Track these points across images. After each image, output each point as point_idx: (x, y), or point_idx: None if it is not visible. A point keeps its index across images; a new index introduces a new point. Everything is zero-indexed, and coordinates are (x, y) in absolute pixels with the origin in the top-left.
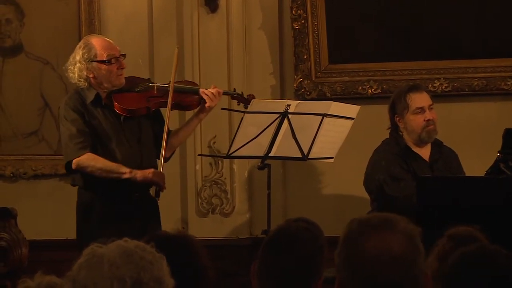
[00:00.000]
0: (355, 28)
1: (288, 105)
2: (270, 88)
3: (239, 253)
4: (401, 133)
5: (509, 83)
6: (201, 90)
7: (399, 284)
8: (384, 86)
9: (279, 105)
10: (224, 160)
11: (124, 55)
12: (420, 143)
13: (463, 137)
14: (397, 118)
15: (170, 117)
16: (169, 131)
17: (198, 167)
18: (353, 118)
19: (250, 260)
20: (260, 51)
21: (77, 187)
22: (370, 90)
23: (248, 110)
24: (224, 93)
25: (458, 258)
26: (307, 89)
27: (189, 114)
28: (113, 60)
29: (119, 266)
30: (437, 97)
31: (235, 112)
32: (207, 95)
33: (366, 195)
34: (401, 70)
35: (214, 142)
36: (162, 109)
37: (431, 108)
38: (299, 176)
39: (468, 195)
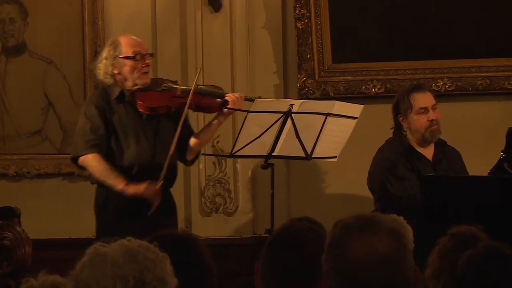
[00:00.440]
0: (359, 27)
1: (292, 105)
2: (274, 88)
3: (243, 252)
4: (404, 133)
5: None
6: (226, 94)
7: (388, 285)
8: (388, 86)
9: (283, 105)
10: (228, 159)
11: (151, 54)
12: (424, 143)
13: (467, 136)
14: (401, 118)
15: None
16: (191, 133)
17: (201, 166)
18: (356, 118)
19: (254, 259)
20: (264, 51)
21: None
22: (373, 90)
23: (251, 109)
24: (246, 99)
25: (467, 259)
26: (310, 88)
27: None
28: (138, 57)
29: (122, 266)
30: (440, 96)
31: (238, 112)
32: (231, 99)
33: (369, 195)
34: (404, 70)
35: (217, 142)
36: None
37: (435, 108)
38: (302, 176)
39: (471, 194)
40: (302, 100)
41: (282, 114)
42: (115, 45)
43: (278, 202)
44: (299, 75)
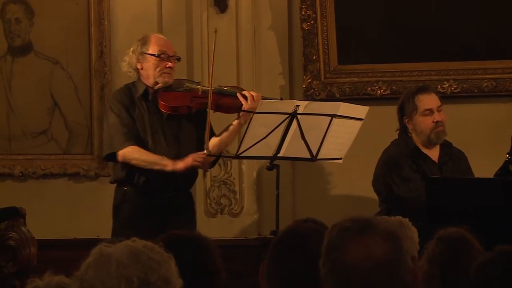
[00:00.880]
0: (364, 29)
1: (297, 106)
2: (279, 89)
3: (248, 253)
4: (410, 134)
5: None
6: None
7: None
8: (393, 87)
9: (288, 106)
10: (233, 160)
11: (178, 59)
12: (429, 144)
13: (472, 138)
14: (406, 120)
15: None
16: (212, 135)
17: None
18: (362, 119)
19: (259, 260)
20: (269, 52)
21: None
22: (379, 91)
23: (257, 110)
24: (263, 98)
25: (480, 265)
26: (316, 89)
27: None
28: (163, 56)
29: (126, 266)
30: (446, 98)
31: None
32: (245, 97)
33: (375, 196)
34: (410, 71)
35: None
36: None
37: (440, 110)
38: (308, 177)
39: (477, 196)
40: (308, 101)
41: (287, 115)
42: (144, 41)
43: (283, 203)
44: (304, 76)
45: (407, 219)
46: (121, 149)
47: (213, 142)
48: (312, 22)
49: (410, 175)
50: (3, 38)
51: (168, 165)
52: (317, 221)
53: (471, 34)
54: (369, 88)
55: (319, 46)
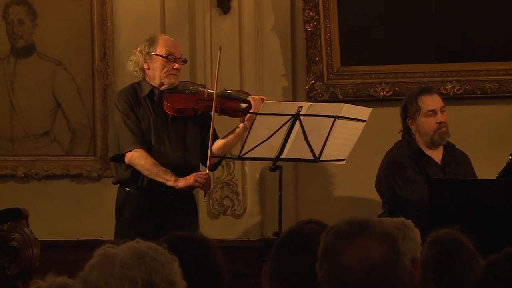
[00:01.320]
0: (367, 30)
1: (300, 107)
2: (282, 90)
3: (250, 254)
4: (413, 136)
5: None
6: (249, 97)
7: None
8: (396, 89)
9: (291, 107)
10: (236, 161)
11: (185, 61)
12: (432, 145)
13: (475, 140)
14: (409, 121)
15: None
16: (215, 138)
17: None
18: (365, 120)
19: (261, 261)
20: (272, 53)
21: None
22: (382, 92)
23: (260, 112)
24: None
25: (488, 265)
26: (319, 91)
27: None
28: (170, 57)
29: (130, 267)
30: (449, 99)
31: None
32: (253, 101)
33: (377, 197)
34: (413, 73)
35: None
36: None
37: (443, 111)
38: (310, 178)
39: (479, 198)
40: (311, 103)
41: (290, 117)
42: (152, 42)
43: (286, 204)
44: (307, 78)
45: (409, 221)
46: (128, 151)
47: (217, 144)
48: (315, 23)
49: (413, 176)
50: (6, 39)
51: (170, 180)
52: (320, 222)
53: (474, 35)
54: (372, 90)
55: (322, 47)
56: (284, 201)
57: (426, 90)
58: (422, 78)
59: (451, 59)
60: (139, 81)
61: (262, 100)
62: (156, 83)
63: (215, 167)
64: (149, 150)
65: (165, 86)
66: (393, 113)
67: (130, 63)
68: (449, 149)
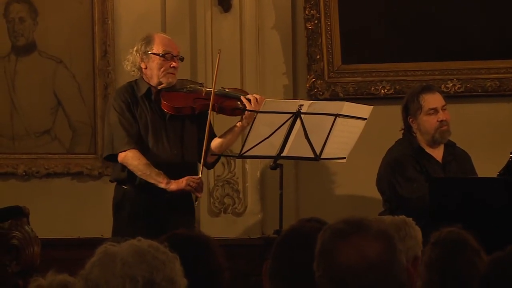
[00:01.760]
0: (368, 28)
1: (301, 105)
2: (283, 88)
3: (251, 252)
4: (414, 134)
5: None
6: (247, 95)
7: None
8: (397, 87)
9: (292, 105)
10: (237, 159)
11: (182, 59)
12: (434, 144)
13: (476, 138)
14: (411, 119)
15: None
16: (213, 136)
17: None
18: (365, 119)
19: (262, 260)
20: (273, 51)
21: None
22: (382, 91)
23: (260, 110)
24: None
25: (492, 262)
26: (320, 89)
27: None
28: (167, 56)
29: (131, 266)
30: (449, 98)
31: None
32: (248, 100)
33: (378, 196)
34: (414, 71)
35: None
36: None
37: (444, 109)
38: (311, 176)
39: (480, 196)
40: (311, 101)
41: (291, 115)
42: (148, 40)
43: (286, 202)
44: (308, 76)
45: (410, 219)
46: (122, 151)
47: (215, 143)
48: (316, 21)
49: (414, 175)
50: (7, 37)
51: (162, 183)
52: (321, 221)
53: (474, 33)
54: (372, 88)
55: (323, 45)
56: (284, 199)
57: (428, 88)
58: (423, 76)
59: (452, 57)
60: (136, 80)
61: (262, 99)
62: (154, 82)
63: (213, 165)
64: (146, 149)
65: (163, 85)
66: (394, 111)
67: (127, 62)
68: (450, 147)
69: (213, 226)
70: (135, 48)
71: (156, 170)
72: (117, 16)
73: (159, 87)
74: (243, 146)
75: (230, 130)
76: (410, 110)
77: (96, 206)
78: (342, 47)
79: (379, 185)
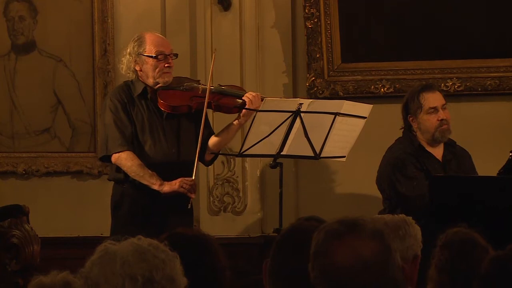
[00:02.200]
0: (368, 27)
1: (301, 104)
2: (283, 87)
3: (251, 251)
4: (414, 133)
5: None
6: (245, 94)
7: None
8: (397, 85)
9: (292, 104)
10: (236, 158)
11: (176, 55)
12: (434, 142)
13: (476, 136)
14: (411, 118)
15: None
16: (211, 133)
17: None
18: (365, 117)
19: (262, 258)
20: (273, 50)
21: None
22: (382, 89)
23: (260, 108)
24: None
25: (492, 260)
26: (319, 87)
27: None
28: (160, 57)
29: (131, 264)
30: (449, 96)
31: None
32: (248, 98)
33: (378, 194)
34: (413, 69)
35: None
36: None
37: (445, 108)
38: (311, 175)
39: (480, 194)
40: (311, 100)
41: (291, 114)
42: (140, 42)
43: (286, 201)
44: (308, 75)
45: (410, 217)
46: (115, 153)
47: (213, 140)
48: (315, 20)
49: (414, 173)
50: (7, 36)
51: (156, 184)
52: (320, 219)
53: (474, 32)
54: (372, 86)
55: (323, 44)
56: (284, 198)
57: (428, 87)
58: (422, 75)
59: (452, 56)
60: (132, 80)
61: (258, 96)
62: (150, 82)
63: (211, 162)
64: (144, 148)
65: (159, 84)
66: (394, 110)
67: (122, 66)
68: (450, 146)
69: (213, 224)
70: (128, 51)
71: (150, 171)
72: (117, 15)
73: (156, 87)
74: (242, 144)
75: (227, 127)
76: (410, 109)
77: (95, 204)
78: (342, 46)
79: (379, 184)
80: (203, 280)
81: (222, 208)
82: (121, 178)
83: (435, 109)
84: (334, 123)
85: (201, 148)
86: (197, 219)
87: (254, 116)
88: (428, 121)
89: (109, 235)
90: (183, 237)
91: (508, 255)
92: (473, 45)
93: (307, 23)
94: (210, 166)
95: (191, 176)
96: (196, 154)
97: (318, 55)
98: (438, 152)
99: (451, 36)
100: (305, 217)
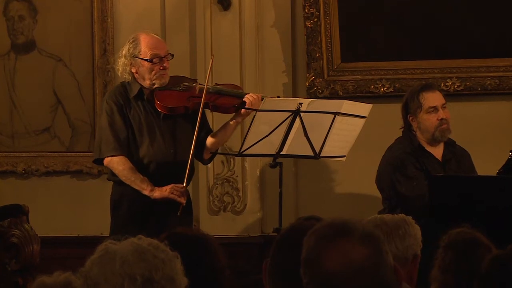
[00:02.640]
0: (368, 26)
1: (300, 104)
2: (282, 86)
3: (251, 251)
4: (414, 132)
5: None
6: (246, 95)
7: None
8: (397, 85)
9: (291, 103)
10: (236, 158)
11: (172, 55)
12: (434, 142)
13: (475, 136)
14: (411, 118)
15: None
16: (209, 132)
17: (209, 164)
18: (365, 117)
19: (262, 258)
20: (273, 49)
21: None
22: (382, 89)
23: (260, 108)
24: (263, 98)
25: (493, 259)
26: (319, 87)
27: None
28: (155, 60)
29: (131, 264)
30: (449, 96)
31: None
32: (249, 100)
33: (378, 194)
34: (413, 69)
35: None
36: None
37: (444, 107)
38: (311, 175)
39: (480, 194)
40: (311, 99)
41: (290, 113)
42: (135, 44)
43: (286, 201)
44: (308, 74)
45: (410, 217)
46: (108, 156)
47: (210, 140)
48: (315, 20)
49: (413, 173)
50: (6, 35)
51: (146, 190)
52: (320, 219)
53: (474, 31)
54: (372, 86)
55: (322, 44)
56: (284, 197)
57: (428, 86)
58: (422, 74)
59: (452, 56)
60: (128, 81)
61: (258, 97)
62: (146, 84)
63: (209, 161)
64: (141, 149)
65: (156, 85)
66: (393, 109)
67: (118, 68)
68: (450, 146)
69: (213, 224)
70: (123, 53)
71: (141, 176)
72: (116, 14)
73: (153, 87)
74: (242, 144)
75: (224, 126)
76: (410, 109)
77: (95, 204)
78: (342, 45)
79: (379, 183)
80: (203, 280)
81: (221, 207)
82: (117, 180)
83: (435, 109)
84: (333, 123)
85: (198, 147)
86: (197, 218)
87: (254, 116)
88: (428, 121)
89: (108, 235)
90: (183, 237)
91: (508, 255)
92: (473, 44)
93: (306, 23)
94: (210, 166)
95: (185, 182)
96: (189, 159)
97: (317, 55)
98: (438, 151)
99: (451, 36)
100: (304, 217)
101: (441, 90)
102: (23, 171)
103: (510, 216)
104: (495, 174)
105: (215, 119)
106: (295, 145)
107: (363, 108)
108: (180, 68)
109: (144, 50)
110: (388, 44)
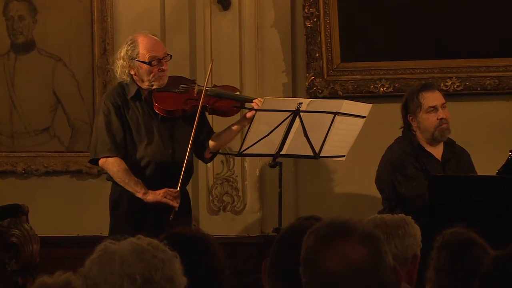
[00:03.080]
0: (367, 26)
1: (300, 103)
2: (282, 86)
3: (250, 251)
4: (413, 132)
5: None
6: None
7: None
8: (396, 85)
9: (291, 103)
10: (236, 157)
11: (170, 56)
12: (433, 142)
13: (475, 136)
14: (410, 117)
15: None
16: (210, 133)
17: (209, 164)
18: (365, 117)
19: (261, 258)
20: (272, 49)
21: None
22: (382, 89)
23: (260, 108)
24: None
25: (494, 259)
26: (319, 87)
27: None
28: (154, 62)
29: (130, 264)
30: (449, 96)
31: (246, 110)
32: (257, 105)
33: (378, 194)
34: (413, 69)
35: None
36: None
37: (444, 107)
38: (310, 174)
39: (480, 194)
40: (311, 99)
41: (290, 113)
42: (134, 46)
43: (286, 200)
44: (307, 74)
45: (410, 217)
46: (102, 157)
47: (212, 140)
48: (315, 19)
49: (413, 173)
50: (6, 35)
51: (140, 192)
52: (319, 219)
53: (474, 31)
54: (372, 86)
55: (322, 43)
56: (284, 197)
57: (427, 86)
58: (422, 74)
59: (451, 56)
60: (126, 82)
61: (260, 101)
62: (145, 86)
63: (210, 160)
64: (140, 150)
65: (154, 87)
66: (393, 109)
67: (116, 69)
68: (450, 145)
69: (212, 224)
70: (121, 54)
71: (135, 178)
72: (116, 14)
73: (152, 88)
74: (242, 144)
75: (229, 129)
76: (409, 108)
77: (95, 204)
78: (341, 45)
79: (379, 183)
80: (202, 279)
81: (221, 207)
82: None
83: (434, 108)
84: (333, 123)
85: (199, 147)
86: (197, 218)
87: (254, 116)
88: (427, 120)
89: (107, 235)
90: (182, 237)
91: (509, 255)
92: (472, 44)
93: (306, 23)
94: (209, 166)
95: (178, 186)
96: (184, 164)
97: (317, 55)
98: (437, 151)
99: (450, 35)
100: (304, 217)
101: (440, 90)
102: (23, 171)
103: (510, 216)
104: (494, 174)
105: (215, 121)
106: (295, 145)
107: (363, 108)
108: (179, 68)
109: (142, 52)
110: (388, 44)
